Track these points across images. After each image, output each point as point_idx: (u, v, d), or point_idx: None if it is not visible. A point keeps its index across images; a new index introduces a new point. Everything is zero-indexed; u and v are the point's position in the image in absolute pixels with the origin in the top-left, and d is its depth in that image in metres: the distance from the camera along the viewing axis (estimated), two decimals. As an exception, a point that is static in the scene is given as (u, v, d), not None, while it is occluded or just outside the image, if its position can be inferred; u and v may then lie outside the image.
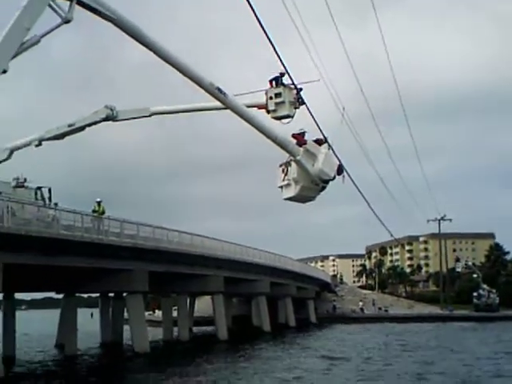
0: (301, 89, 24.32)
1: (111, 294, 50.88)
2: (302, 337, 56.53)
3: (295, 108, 24.94)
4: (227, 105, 24.32)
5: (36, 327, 74.06)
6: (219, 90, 23.02)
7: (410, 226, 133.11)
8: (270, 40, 14.67)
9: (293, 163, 25.20)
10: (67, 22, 20.00)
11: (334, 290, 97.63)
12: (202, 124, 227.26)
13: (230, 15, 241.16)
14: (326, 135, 24.68)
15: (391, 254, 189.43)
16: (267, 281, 61.78)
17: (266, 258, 62.82)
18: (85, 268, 35.42)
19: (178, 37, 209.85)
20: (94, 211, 36.10)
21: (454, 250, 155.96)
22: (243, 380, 28.41)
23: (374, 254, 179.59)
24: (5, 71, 19.09)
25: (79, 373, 33.85)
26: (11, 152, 30.06)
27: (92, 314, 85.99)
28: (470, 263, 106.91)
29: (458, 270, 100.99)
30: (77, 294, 44.18)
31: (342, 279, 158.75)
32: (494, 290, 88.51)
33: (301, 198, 26.11)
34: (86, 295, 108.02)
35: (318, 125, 22.10)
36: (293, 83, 23.22)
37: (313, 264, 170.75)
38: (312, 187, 25.57)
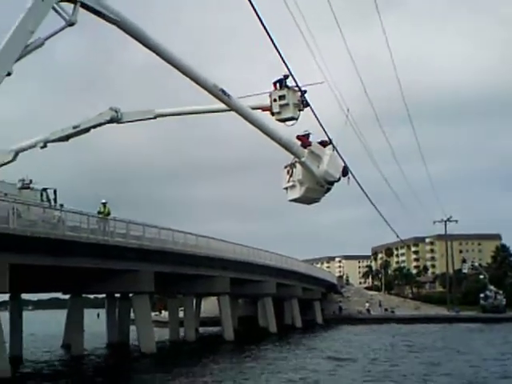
0: (305, 91, 24.35)
1: (117, 295, 50.98)
2: (308, 338, 56.53)
3: (299, 110, 24.95)
4: (231, 106, 24.36)
5: (42, 327, 74.25)
6: (223, 91, 23.07)
7: (416, 227, 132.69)
8: (273, 42, 14.71)
9: (298, 165, 25.22)
10: (71, 24, 20.09)
11: (340, 291, 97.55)
12: (207, 126, 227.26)
13: (233, 17, 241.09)
14: (330, 137, 24.71)
15: (397, 255, 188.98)
16: (273, 282, 61.78)
17: (271, 259, 62.81)
18: (91, 269, 35.53)
19: (181, 39, 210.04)
20: (99, 212, 36.20)
21: (461, 251, 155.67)
22: (250, 380, 28.44)
23: (379, 255, 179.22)
24: (9, 74, 19.19)
25: (86, 373, 33.94)
26: (16, 154, 30.20)
27: (98, 315, 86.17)
28: (476, 264, 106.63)
29: (465, 271, 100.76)
30: (83, 295, 44.28)
31: (348, 280, 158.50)
32: (501, 291, 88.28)
33: (306, 200, 26.13)
34: (92, 296, 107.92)
35: (322, 126, 22.14)
36: (297, 85, 23.25)
37: (319, 265, 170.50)
38: (317, 188, 25.58)
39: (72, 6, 19.72)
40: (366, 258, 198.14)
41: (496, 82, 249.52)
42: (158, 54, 21.27)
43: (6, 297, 40.86)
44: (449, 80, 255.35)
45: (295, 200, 25.86)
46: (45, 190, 33.70)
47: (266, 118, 25.31)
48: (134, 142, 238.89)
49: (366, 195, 26.02)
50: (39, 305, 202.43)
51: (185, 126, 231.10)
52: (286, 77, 24.20)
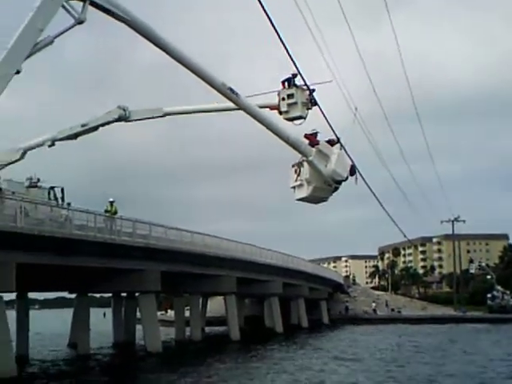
0: (313, 90, 24.26)
1: (124, 294, 50.99)
2: (314, 338, 56.44)
3: (307, 109, 24.88)
4: (239, 105, 24.31)
5: (49, 326, 74.38)
6: (231, 90, 23.02)
7: (424, 227, 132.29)
8: (282, 41, 14.60)
9: (305, 164, 25.15)
10: (80, 22, 20.10)
11: (347, 290, 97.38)
12: (215, 125, 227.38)
13: (241, 16, 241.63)
14: (338, 135, 24.62)
15: (404, 255, 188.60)
16: (280, 281, 61.70)
17: (278, 258, 62.74)
18: (97, 268, 35.53)
19: (187, 36, 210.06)
20: (106, 211, 36.19)
21: (468, 251, 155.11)
22: (255, 380, 28.44)
23: (386, 255, 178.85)
24: (18, 72, 19.20)
25: (92, 372, 33.94)
26: (24, 152, 30.25)
27: (105, 314, 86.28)
28: (483, 264, 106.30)
29: (472, 271, 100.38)
30: (89, 294, 44.26)
31: (354, 280, 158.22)
32: (508, 292, 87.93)
33: (313, 199, 26.05)
34: (98, 295, 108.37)
35: (330, 125, 22.04)
36: (305, 84, 23.16)
37: (325, 265, 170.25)
38: (324, 188, 25.50)
39: (81, 3, 19.72)
40: (373, 257, 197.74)
41: (496, 82, 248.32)
42: (167, 52, 21.25)
43: (12, 296, 40.81)
44: (459, 78, 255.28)
45: (303, 199, 25.79)
46: (52, 188, 33.72)
47: (273, 116, 25.26)
48: (141, 140, 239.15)
49: (374, 194, 25.92)
50: (46, 304, 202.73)
51: (192, 125, 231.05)
52: (294, 75, 24.14)
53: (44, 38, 19.59)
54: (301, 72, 18.96)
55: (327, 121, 21.30)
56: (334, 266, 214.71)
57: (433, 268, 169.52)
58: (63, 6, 19.61)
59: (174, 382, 28.19)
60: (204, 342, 49.77)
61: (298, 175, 25.40)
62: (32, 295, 51.61)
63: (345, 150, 24.98)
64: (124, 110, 29.75)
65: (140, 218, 39.78)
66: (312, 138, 25.19)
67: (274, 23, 13.72)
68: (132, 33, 20.41)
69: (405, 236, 37.09)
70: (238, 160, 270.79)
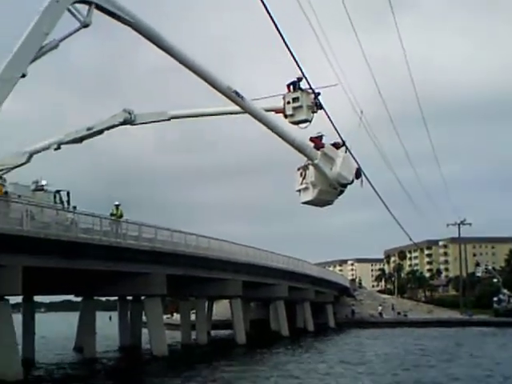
0: (319, 93, 24.25)
1: (130, 298, 51.00)
2: (320, 341, 56.33)
3: (313, 112, 24.86)
4: (245, 108, 24.32)
5: (55, 330, 74.47)
6: (236, 93, 23.05)
7: (430, 230, 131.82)
8: (287, 45, 14.57)
9: (311, 167, 25.12)
10: (86, 26, 20.16)
11: (353, 294, 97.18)
12: (220, 128, 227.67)
13: (246, 20, 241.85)
14: (343, 139, 24.59)
15: (410, 259, 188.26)
16: (285, 285, 61.63)
17: (284, 262, 62.66)
18: (103, 271, 35.54)
19: (191, 37, 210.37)
20: (112, 214, 36.20)
21: (474, 255, 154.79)
22: (260, 384, 28.41)
23: (392, 259, 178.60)
24: (24, 75, 19.25)
25: (98, 376, 33.95)
26: (30, 156, 30.30)
27: (110, 317, 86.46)
28: (490, 267, 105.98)
29: (478, 274, 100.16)
30: (95, 297, 44.30)
31: (360, 283, 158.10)
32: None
33: (319, 202, 26.01)
34: (104, 298, 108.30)
35: (336, 128, 22.04)
36: (310, 87, 23.15)
37: (331, 268, 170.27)
38: (330, 191, 25.46)
39: (87, 7, 19.77)
40: (379, 261, 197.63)
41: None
42: (172, 55, 21.28)
43: (18, 299, 40.91)
44: (464, 80, 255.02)
45: (308, 202, 25.75)
46: (58, 192, 33.74)
47: (279, 120, 25.25)
48: (146, 143, 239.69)
49: (380, 197, 25.89)
50: (52, 307, 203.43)
51: (197, 128, 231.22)
52: (299, 79, 24.12)
53: (49, 42, 19.64)
54: (306, 75, 18.96)
55: (333, 124, 21.31)
56: (340, 270, 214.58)
57: (439, 271, 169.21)
58: (68, 10, 19.67)
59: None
60: (210, 345, 49.72)
61: (304, 178, 25.37)
62: (38, 298, 51.61)
63: (350, 153, 24.96)
64: (129, 113, 29.79)
65: (145, 221, 39.82)
66: (317, 141, 25.17)
67: (280, 28, 13.68)
68: (137, 35, 20.42)
69: (411, 239, 37.00)
70: (243, 163, 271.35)
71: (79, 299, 46.03)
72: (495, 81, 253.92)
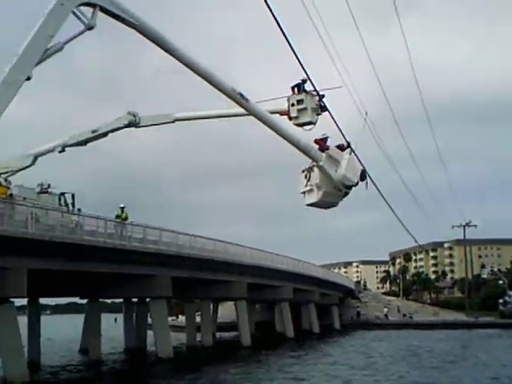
0: (323, 95, 24.23)
1: (135, 300, 51.00)
2: (325, 343, 56.26)
3: (317, 114, 24.85)
4: (249, 110, 24.34)
5: (60, 332, 74.49)
6: (241, 95, 23.06)
7: (435, 232, 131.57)
8: (291, 47, 14.50)
9: (315, 169, 25.12)
10: (90, 28, 20.20)
11: (358, 296, 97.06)
12: (225, 130, 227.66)
13: (250, 22, 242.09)
14: (348, 140, 24.58)
15: (415, 261, 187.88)
16: (290, 287, 61.59)
17: (289, 264, 62.61)
18: (108, 273, 35.56)
19: (196, 42, 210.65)
20: (117, 216, 36.22)
21: (480, 256, 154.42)
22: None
23: (398, 261, 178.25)
24: (29, 78, 19.29)
25: (103, 378, 33.98)
26: (35, 158, 30.38)
27: (116, 319, 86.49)
28: (495, 269, 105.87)
29: (484, 276, 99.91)
30: (100, 300, 44.30)
31: (365, 285, 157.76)
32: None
33: (323, 204, 26.00)
34: (109, 301, 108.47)
35: (340, 130, 22.02)
36: (315, 90, 23.13)
37: (336, 270, 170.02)
38: (335, 193, 25.46)
39: (91, 10, 19.80)
40: (384, 263, 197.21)
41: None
42: (176, 57, 21.30)
43: (24, 301, 40.95)
44: (470, 81, 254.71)
45: (312, 204, 25.74)
46: (63, 194, 33.77)
47: (283, 122, 25.26)
48: (151, 146, 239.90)
49: (385, 199, 25.86)
50: (57, 309, 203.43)
51: (202, 130, 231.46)
52: (304, 81, 24.12)
53: (54, 44, 19.67)
54: (310, 77, 18.91)
55: (337, 126, 21.28)
56: (345, 272, 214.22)
57: (444, 273, 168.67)
58: (73, 12, 19.71)
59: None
60: (215, 347, 49.70)
61: (308, 180, 25.37)
62: (43, 301, 51.69)
63: (355, 155, 24.94)
64: (134, 115, 29.87)
65: (150, 223, 39.79)
66: (322, 143, 25.18)
67: (284, 30, 13.62)
68: (141, 38, 20.44)
69: (416, 241, 37.01)
70: (248, 165, 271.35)
71: (84, 301, 46.09)
72: (497, 81, 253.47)
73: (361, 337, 63.99)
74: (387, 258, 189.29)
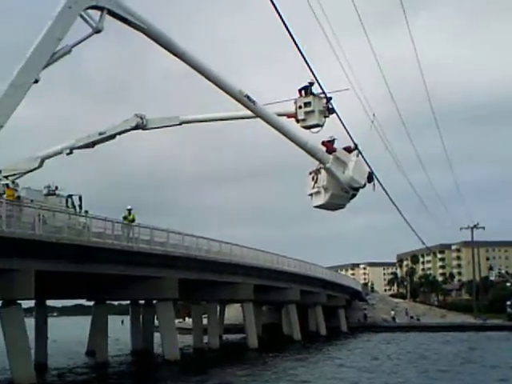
0: (331, 97, 24.24)
1: (141, 302, 51.04)
2: (332, 345, 56.15)
3: (325, 117, 24.88)
4: (256, 113, 24.36)
5: (67, 334, 74.63)
6: (248, 97, 23.08)
7: (442, 234, 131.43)
8: (299, 49, 14.52)
9: (323, 171, 25.13)
10: (98, 31, 20.24)
11: (365, 298, 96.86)
12: (232, 132, 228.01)
13: (256, 23, 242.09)
14: (356, 142, 24.57)
15: (423, 263, 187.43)
16: (297, 289, 61.51)
17: (296, 265, 62.57)
18: (115, 275, 35.56)
19: (201, 44, 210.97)
20: (124, 218, 36.27)
21: (487, 259, 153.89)
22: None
23: (405, 263, 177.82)
24: (37, 81, 19.34)
25: (110, 380, 33.99)
26: (42, 160, 30.47)
27: (122, 321, 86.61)
28: (503, 271, 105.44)
29: (492, 278, 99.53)
30: (107, 302, 44.31)
31: (372, 287, 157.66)
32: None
33: (330, 206, 26.00)
34: (116, 303, 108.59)
35: (348, 133, 22.02)
36: (323, 92, 23.14)
37: (343, 272, 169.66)
38: (342, 195, 25.46)
39: (99, 13, 19.84)
40: (391, 265, 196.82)
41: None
42: (183, 60, 21.33)
43: (31, 303, 41.05)
44: (476, 82, 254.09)
45: (320, 206, 25.75)
46: (70, 196, 33.83)
47: (290, 124, 25.27)
48: (158, 148, 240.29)
49: (392, 201, 25.83)
50: (64, 311, 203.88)
51: (209, 132, 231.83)
52: (311, 84, 24.14)
53: (62, 47, 19.71)
54: (318, 80, 18.90)
55: (345, 128, 21.28)
56: (352, 274, 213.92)
57: (452, 275, 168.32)
58: (81, 16, 19.76)
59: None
60: (222, 349, 49.65)
61: (316, 182, 25.38)
62: (50, 303, 51.69)
63: (363, 157, 24.92)
64: (141, 118, 29.94)
65: (157, 225, 39.81)
66: (329, 145, 25.18)
67: (292, 32, 13.62)
68: (149, 41, 20.46)
69: (423, 243, 36.95)
70: (256, 167, 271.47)
71: (91, 303, 46.09)
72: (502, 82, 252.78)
73: (368, 339, 63.80)
74: (394, 260, 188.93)
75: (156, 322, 45.62)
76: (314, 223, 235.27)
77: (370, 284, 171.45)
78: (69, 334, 75.31)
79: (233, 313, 72.43)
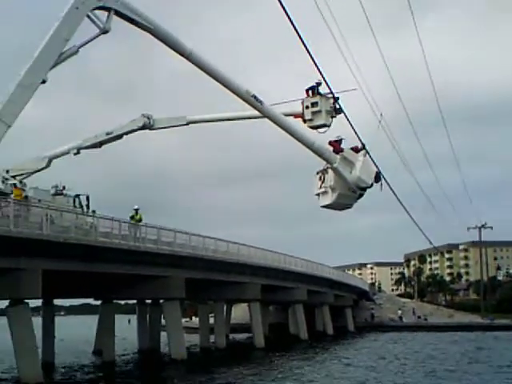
0: (338, 98, 24.19)
1: (148, 301, 51.09)
2: (339, 345, 56.08)
3: (332, 117, 24.86)
4: (263, 113, 24.36)
5: (74, 333, 74.83)
6: (255, 97, 23.09)
7: (450, 234, 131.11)
8: (307, 49, 14.46)
9: (330, 171, 25.12)
10: (105, 32, 20.29)
11: (372, 298, 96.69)
12: (239, 132, 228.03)
13: (263, 23, 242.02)
14: (364, 142, 24.53)
15: (430, 262, 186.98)
16: (304, 289, 61.46)
17: (303, 265, 62.52)
18: (122, 275, 35.63)
19: (209, 43, 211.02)
20: (131, 218, 36.32)
21: (495, 258, 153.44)
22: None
23: (412, 262, 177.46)
24: (44, 81, 19.39)
25: (117, 379, 34.04)
26: (50, 160, 30.54)
27: (129, 321, 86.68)
28: (511, 271, 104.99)
29: (499, 278, 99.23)
30: (114, 301, 44.35)
31: (380, 287, 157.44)
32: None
33: (338, 206, 25.99)
34: (123, 302, 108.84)
35: (356, 133, 21.97)
36: (331, 92, 23.12)
37: (350, 272, 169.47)
38: (349, 195, 25.45)
39: (106, 13, 19.88)
40: (399, 264, 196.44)
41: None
42: (190, 60, 21.36)
43: (38, 302, 41.13)
44: (483, 82, 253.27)
45: (327, 206, 25.73)
46: (78, 196, 33.92)
47: (298, 124, 25.26)
48: (165, 148, 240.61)
49: (400, 201, 25.75)
50: (71, 310, 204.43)
51: (216, 132, 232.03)
52: (318, 84, 24.13)
53: (69, 48, 19.76)
54: (326, 80, 18.87)
55: (353, 128, 21.24)
56: (360, 273, 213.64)
57: (459, 275, 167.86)
58: (88, 16, 19.79)
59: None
60: (228, 349, 49.63)
61: (323, 182, 25.37)
62: (58, 302, 51.87)
63: (370, 157, 24.88)
64: (148, 118, 29.97)
65: (164, 225, 39.86)
66: (336, 145, 25.17)
67: (300, 33, 13.57)
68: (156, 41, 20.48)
69: (431, 243, 36.85)
70: (261, 167, 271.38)
71: (98, 302, 46.19)
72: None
73: (375, 339, 63.68)
74: (402, 260, 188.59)
75: (163, 321, 45.65)
76: (321, 223, 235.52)
77: (377, 284, 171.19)
78: (76, 333, 75.51)
79: (239, 312, 72.42)
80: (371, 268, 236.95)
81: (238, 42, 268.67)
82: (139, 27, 20.17)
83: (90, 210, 33.75)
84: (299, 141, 25.17)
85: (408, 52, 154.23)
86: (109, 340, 40.22)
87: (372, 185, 25.60)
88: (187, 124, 29.98)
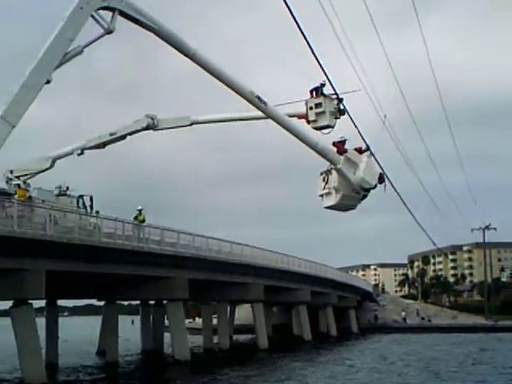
0: (342, 98, 24.15)
1: (152, 302, 51.08)
2: (343, 346, 56.05)
3: (336, 118, 24.82)
4: (267, 113, 24.34)
5: (78, 334, 74.89)
6: (259, 98, 23.08)
7: (454, 235, 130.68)
8: (312, 50, 14.46)
9: (333, 171, 25.10)
10: (109, 32, 20.29)
11: (376, 299, 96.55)
12: (242, 133, 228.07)
13: (267, 23, 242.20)
14: (368, 143, 24.51)
15: (434, 264, 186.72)
16: (308, 290, 61.43)
17: (306, 266, 62.48)
18: (125, 275, 35.62)
19: (213, 44, 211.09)
20: (135, 218, 36.31)
21: (499, 260, 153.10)
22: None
23: (416, 264, 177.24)
24: (48, 81, 19.39)
25: (120, 380, 34.04)
26: (54, 161, 30.55)
27: (133, 322, 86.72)
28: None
29: (503, 279, 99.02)
30: (118, 302, 44.36)
31: (383, 288, 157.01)
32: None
33: (341, 207, 25.97)
34: (126, 303, 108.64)
35: (360, 133, 21.96)
36: (335, 93, 23.07)
37: (354, 273, 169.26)
38: (353, 196, 25.42)
39: (110, 14, 19.88)
40: (402, 266, 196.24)
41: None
42: (194, 61, 21.34)
43: (42, 303, 41.18)
44: (488, 82, 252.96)
45: (331, 207, 25.70)
46: (81, 196, 33.94)
47: (301, 125, 25.22)
48: (169, 149, 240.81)
49: (403, 202, 25.74)
50: (75, 311, 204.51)
51: (217, 133, 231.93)
52: (322, 85, 24.08)
53: (74, 48, 19.76)
54: (331, 80, 18.84)
55: (357, 129, 21.22)
56: (363, 274, 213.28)
57: (463, 276, 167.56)
58: (92, 16, 19.80)
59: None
60: (232, 350, 49.60)
61: (326, 183, 25.35)
62: (61, 302, 51.87)
63: (374, 158, 24.86)
64: (152, 118, 29.95)
65: (167, 225, 39.84)
66: (340, 145, 25.14)
67: (305, 33, 13.54)
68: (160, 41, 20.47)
69: (434, 244, 36.77)
70: (264, 167, 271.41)
71: (102, 303, 46.21)
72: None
73: (378, 340, 63.57)
74: (405, 261, 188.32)
75: (166, 322, 45.69)
76: (324, 224, 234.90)
77: (380, 285, 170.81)
78: (79, 333, 75.59)
79: (243, 313, 72.37)
80: (375, 269, 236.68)
81: (242, 42, 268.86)
82: (143, 27, 20.17)
83: (94, 211, 33.77)
84: (303, 142, 25.14)
85: (411, 51, 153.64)
86: (112, 341, 40.24)
87: (376, 186, 25.58)
88: (191, 124, 29.95)
